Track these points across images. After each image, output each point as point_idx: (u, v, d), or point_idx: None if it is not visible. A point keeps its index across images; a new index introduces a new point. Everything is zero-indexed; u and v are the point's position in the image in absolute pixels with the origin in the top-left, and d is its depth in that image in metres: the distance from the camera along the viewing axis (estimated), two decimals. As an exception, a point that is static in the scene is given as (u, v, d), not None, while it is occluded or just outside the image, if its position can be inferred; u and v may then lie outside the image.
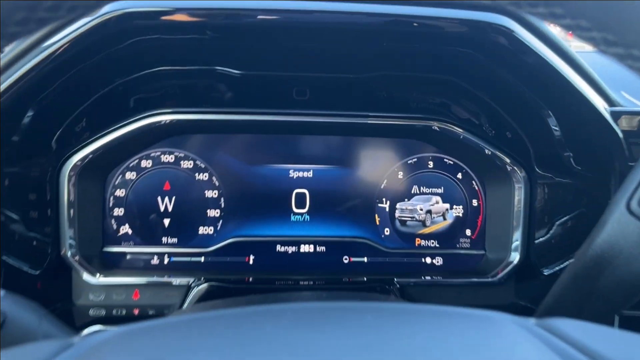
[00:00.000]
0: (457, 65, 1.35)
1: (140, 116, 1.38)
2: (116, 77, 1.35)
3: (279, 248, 1.53)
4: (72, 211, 1.37)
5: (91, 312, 1.42)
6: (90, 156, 1.38)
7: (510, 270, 1.48)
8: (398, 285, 1.45)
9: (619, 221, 0.84)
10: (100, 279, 1.41)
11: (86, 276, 1.40)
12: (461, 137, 1.46)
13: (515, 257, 1.48)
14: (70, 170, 1.36)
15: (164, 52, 1.31)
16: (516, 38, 1.15)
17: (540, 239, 1.46)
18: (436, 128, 1.45)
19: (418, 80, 1.46)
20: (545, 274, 1.44)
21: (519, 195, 1.47)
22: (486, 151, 1.46)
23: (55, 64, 1.12)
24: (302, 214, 1.55)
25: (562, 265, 1.41)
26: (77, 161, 1.37)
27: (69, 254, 1.37)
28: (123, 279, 1.43)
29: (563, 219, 1.45)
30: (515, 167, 1.46)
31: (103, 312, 1.42)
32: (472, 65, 1.31)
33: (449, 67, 1.38)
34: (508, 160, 1.47)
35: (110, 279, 1.42)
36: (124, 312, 1.42)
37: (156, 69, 1.36)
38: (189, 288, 1.41)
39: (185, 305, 1.37)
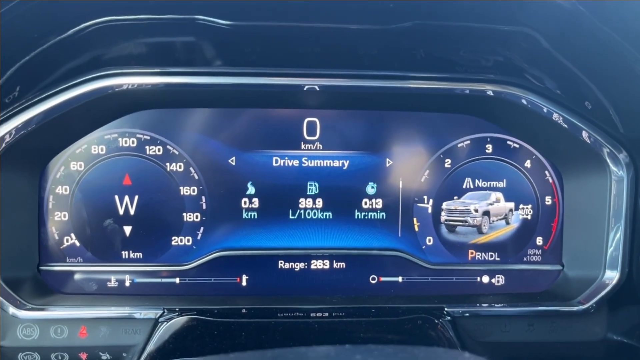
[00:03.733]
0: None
1: (87, 77, 1.18)
2: (56, 29, 1.12)
3: (282, 264, 1.37)
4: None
5: (20, 357, 1.23)
6: (17, 134, 1.17)
7: (605, 295, 1.29)
8: (449, 317, 1.27)
9: None
10: (32, 312, 1.22)
11: (12, 309, 1.21)
12: (528, 105, 1.24)
13: (612, 276, 1.29)
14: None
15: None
16: None
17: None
18: (491, 93, 1.25)
19: (466, 32, 1.22)
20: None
21: (618, 189, 1.27)
22: (565, 126, 1.25)
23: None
24: (314, 218, 1.36)
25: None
26: None
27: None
28: (66, 311, 1.25)
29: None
30: (614, 149, 1.26)
31: (37, 359, 1.24)
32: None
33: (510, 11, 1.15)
34: (603, 140, 1.25)
35: (48, 311, 1.24)
36: (66, 357, 1.24)
37: (111, 17, 1.13)
38: (157, 323, 1.22)
39: (150, 346, 1.17)
